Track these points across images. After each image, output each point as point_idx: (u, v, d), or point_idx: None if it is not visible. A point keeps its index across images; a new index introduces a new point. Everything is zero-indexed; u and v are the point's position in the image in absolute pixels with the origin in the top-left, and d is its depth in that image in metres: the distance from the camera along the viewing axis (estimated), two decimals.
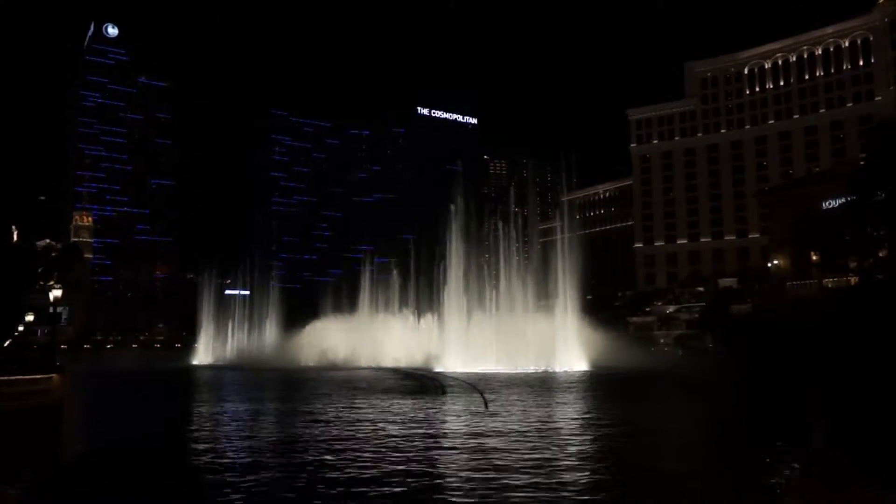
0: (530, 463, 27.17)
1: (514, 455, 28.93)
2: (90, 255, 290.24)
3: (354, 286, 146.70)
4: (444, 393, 58.77)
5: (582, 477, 24.74)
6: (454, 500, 21.78)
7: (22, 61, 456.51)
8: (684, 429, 38.51)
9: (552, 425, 38.70)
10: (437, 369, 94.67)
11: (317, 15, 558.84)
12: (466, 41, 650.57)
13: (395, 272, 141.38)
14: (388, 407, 48.48)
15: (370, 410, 46.54)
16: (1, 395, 30.68)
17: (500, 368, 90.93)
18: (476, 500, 21.68)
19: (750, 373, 64.55)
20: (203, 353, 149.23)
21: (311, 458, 29.03)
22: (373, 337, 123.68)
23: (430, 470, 26.27)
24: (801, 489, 23.77)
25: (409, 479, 24.52)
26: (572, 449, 30.61)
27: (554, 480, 23.97)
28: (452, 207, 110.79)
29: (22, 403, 31.53)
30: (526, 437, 34.12)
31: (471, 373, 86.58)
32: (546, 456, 28.76)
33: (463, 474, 25.27)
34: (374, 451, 30.28)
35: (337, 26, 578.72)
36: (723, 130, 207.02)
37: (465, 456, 29.09)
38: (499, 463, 27.16)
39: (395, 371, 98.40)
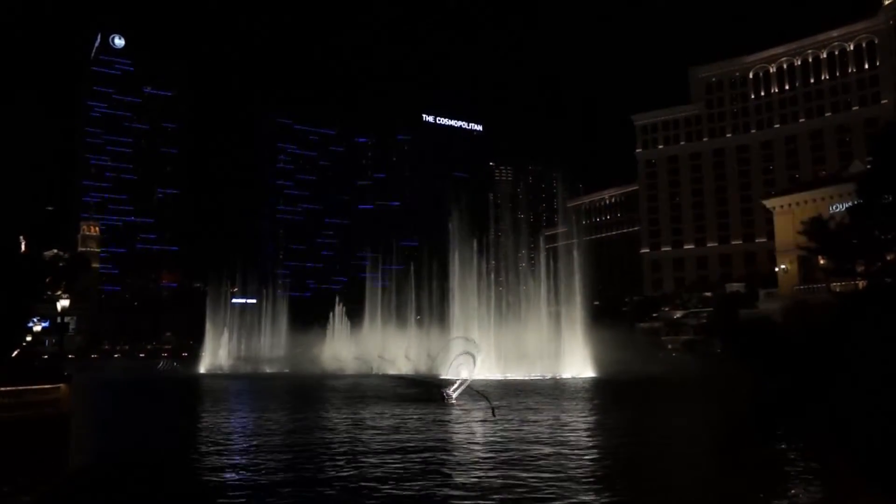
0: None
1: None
2: (97, 265, 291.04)
3: (360, 294, 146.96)
4: (452, 401, 58.61)
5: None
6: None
7: (29, 72, 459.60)
8: (693, 442, 38.31)
9: (561, 437, 38.55)
10: (443, 376, 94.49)
11: (322, 24, 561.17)
12: (471, 48, 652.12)
13: (400, 279, 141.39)
14: (397, 414, 48.39)
15: (380, 419, 46.43)
16: (8, 406, 30.69)
17: (508, 375, 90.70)
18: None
19: (759, 379, 64.21)
20: (210, 362, 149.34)
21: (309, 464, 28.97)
22: (379, 344, 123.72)
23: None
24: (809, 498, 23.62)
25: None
26: (585, 462, 30.49)
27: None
28: (458, 214, 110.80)
29: (29, 413, 31.52)
30: (534, 451, 33.96)
31: (477, 380, 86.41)
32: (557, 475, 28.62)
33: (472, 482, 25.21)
34: (385, 462, 30.19)
35: (342, 35, 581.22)
36: (728, 135, 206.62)
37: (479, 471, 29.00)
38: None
39: (401, 378, 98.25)
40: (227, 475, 27.83)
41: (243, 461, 31.18)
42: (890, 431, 32.22)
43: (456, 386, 59.00)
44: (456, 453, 31.97)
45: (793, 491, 24.11)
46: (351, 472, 27.48)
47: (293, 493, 24.32)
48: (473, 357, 57.88)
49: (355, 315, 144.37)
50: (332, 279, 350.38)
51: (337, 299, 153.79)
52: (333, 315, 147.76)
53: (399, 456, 31.05)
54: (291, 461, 30.56)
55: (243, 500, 23.53)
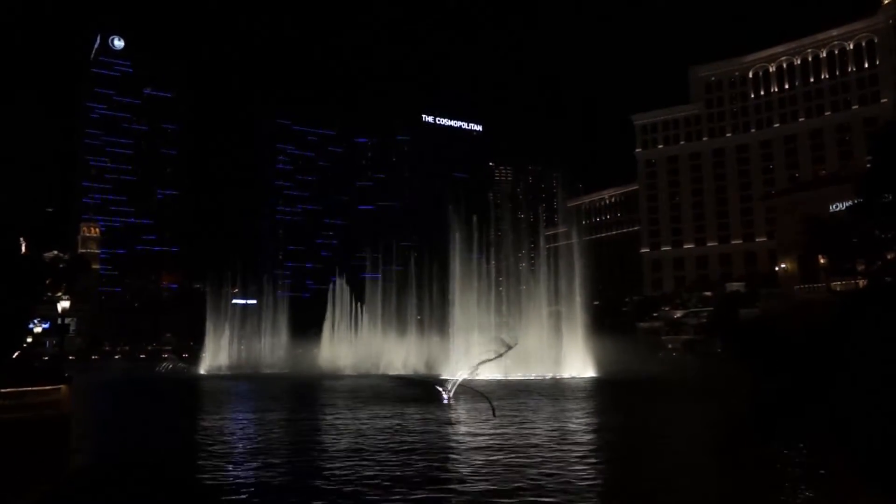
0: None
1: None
2: (97, 266, 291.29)
3: (360, 294, 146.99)
4: (453, 401, 58.63)
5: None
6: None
7: (29, 73, 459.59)
8: (692, 443, 38.32)
9: (560, 437, 38.55)
10: (444, 376, 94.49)
11: (322, 24, 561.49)
12: (471, 48, 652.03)
13: (400, 280, 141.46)
14: (399, 415, 48.38)
15: (380, 421, 46.41)
16: (9, 407, 30.71)
17: (508, 376, 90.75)
18: None
19: (759, 379, 64.23)
20: (211, 363, 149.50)
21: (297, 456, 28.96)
22: (379, 345, 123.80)
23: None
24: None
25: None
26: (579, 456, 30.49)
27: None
28: (458, 215, 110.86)
29: (30, 414, 31.51)
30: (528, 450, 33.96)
31: (478, 380, 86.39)
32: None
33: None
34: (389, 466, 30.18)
35: (342, 35, 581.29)
36: (728, 134, 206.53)
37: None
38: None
39: (401, 378, 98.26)
40: (227, 476, 27.85)
41: (243, 462, 31.20)
42: (889, 431, 32.21)
43: (451, 386, 59.08)
44: (457, 455, 31.98)
45: (792, 491, 24.12)
46: (352, 474, 27.50)
47: (293, 494, 24.36)
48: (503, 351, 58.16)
49: (356, 315, 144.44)
50: (332, 280, 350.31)
51: (337, 271, 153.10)
52: (332, 317, 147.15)
53: (399, 457, 31.05)
54: (290, 462, 30.60)
55: (244, 500, 23.56)
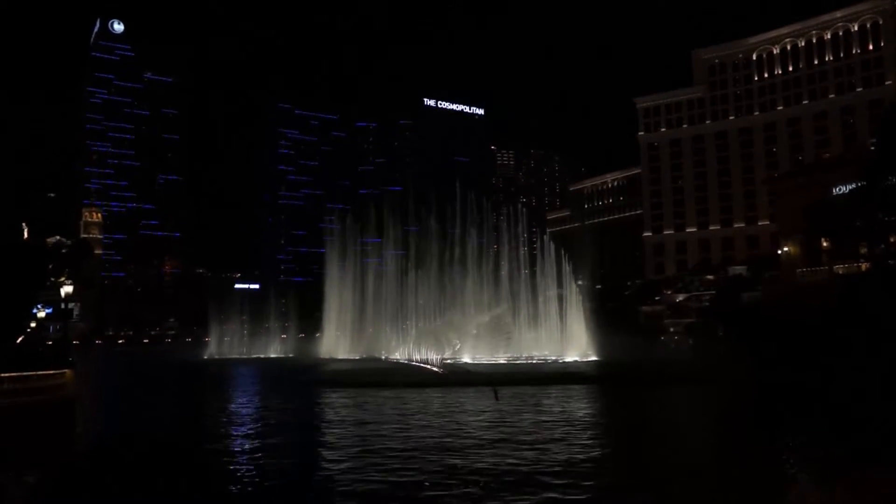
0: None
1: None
2: (100, 251, 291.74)
3: (362, 279, 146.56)
4: (455, 385, 58.84)
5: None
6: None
7: (30, 58, 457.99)
8: (692, 433, 38.40)
9: (559, 427, 38.71)
10: (448, 361, 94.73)
11: (322, 8, 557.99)
12: (472, 31, 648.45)
13: (402, 264, 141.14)
14: (403, 398, 48.53)
15: (387, 405, 46.56)
16: (14, 391, 30.87)
17: (511, 359, 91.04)
18: None
19: (760, 364, 64.13)
20: (214, 347, 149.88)
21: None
22: (384, 330, 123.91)
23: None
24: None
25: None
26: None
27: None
28: (459, 199, 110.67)
29: (35, 399, 31.67)
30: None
31: (480, 363, 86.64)
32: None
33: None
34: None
35: (344, 19, 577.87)
36: (731, 117, 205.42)
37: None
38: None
39: (406, 364, 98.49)
40: (231, 461, 28.01)
41: (248, 451, 31.36)
42: (887, 416, 32.24)
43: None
44: (460, 438, 32.14)
45: (792, 478, 24.21)
46: (362, 461, 27.65)
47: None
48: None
49: (361, 300, 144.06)
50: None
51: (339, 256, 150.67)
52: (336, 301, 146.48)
53: (404, 438, 31.21)
54: (284, 431, 30.76)
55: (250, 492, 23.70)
